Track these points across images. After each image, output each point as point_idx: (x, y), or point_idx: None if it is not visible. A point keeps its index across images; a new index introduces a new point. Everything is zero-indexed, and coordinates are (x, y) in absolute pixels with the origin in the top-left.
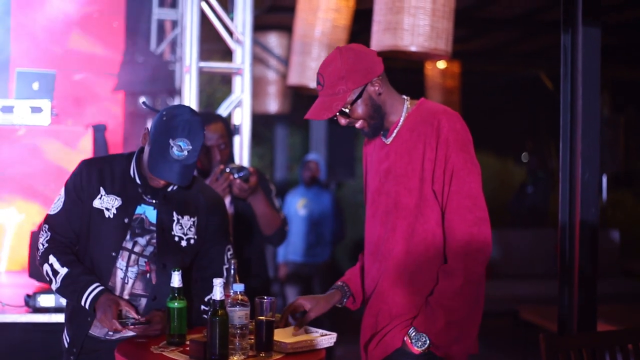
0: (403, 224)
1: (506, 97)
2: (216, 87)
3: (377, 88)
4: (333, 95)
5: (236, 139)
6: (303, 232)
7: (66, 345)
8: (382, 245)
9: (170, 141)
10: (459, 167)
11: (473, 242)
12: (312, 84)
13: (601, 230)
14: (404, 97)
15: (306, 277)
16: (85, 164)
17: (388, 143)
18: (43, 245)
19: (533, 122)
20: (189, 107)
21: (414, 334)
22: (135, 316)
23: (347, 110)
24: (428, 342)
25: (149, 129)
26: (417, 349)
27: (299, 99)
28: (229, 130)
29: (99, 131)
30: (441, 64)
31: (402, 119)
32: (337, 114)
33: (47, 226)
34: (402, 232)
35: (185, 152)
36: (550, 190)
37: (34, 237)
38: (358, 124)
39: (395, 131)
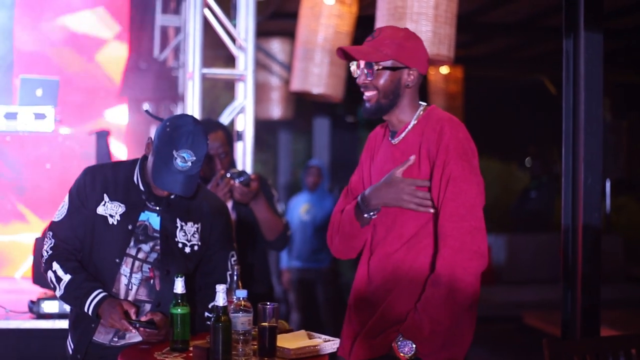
0: (404, 226)
1: (509, 102)
2: (219, 93)
3: (410, 79)
4: (375, 50)
5: (239, 145)
6: (306, 238)
7: (70, 351)
8: (380, 244)
9: (174, 152)
10: (457, 174)
11: (464, 251)
12: (315, 89)
13: (604, 236)
14: (422, 103)
15: (309, 283)
16: (88, 171)
17: (395, 144)
18: (47, 252)
19: (536, 127)
20: (192, 117)
21: (400, 340)
22: (137, 318)
23: (375, 69)
24: (414, 349)
25: (153, 138)
26: (403, 355)
27: (302, 104)
28: (229, 138)
29: (102, 137)
30: (444, 70)
31: (412, 123)
32: (364, 68)
33: (51, 233)
34: (403, 235)
35: (189, 163)
36: (553, 195)
37: (38, 244)
38: (369, 93)
39: (403, 134)
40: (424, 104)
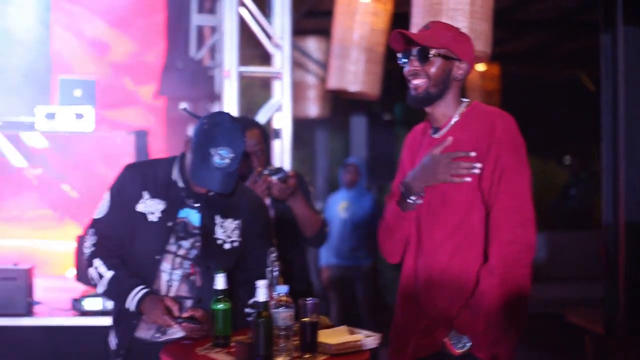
0: (449, 220)
1: (547, 99)
2: (256, 92)
3: (459, 73)
4: (431, 37)
5: (277, 143)
6: (345, 235)
7: (113, 348)
8: (425, 240)
9: (212, 150)
10: (509, 167)
11: (516, 243)
12: (352, 87)
13: None
14: (465, 99)
15: (348, 281)
16: (128, 168)
17: (438, 138)
18: (89, 249)
19: (575, 124)
20: (229, 114)
21: (454, 335)
22: (179, 314)
23: (430, 55)
24: (469, 343)
25: (191, 136)
26: (457, 350)
27: (339, 103)
28: (265, 136)
29: (141, 137)
30: (480, 67)
31: (455, 117)
32: (416, 54)
33: (92, 230)
34: (449, 229)
35: (227, 160)
36: (593, 192)
37: (81, 242)
38: (418, 80)
39: (447, 128)
40: (467, 100)
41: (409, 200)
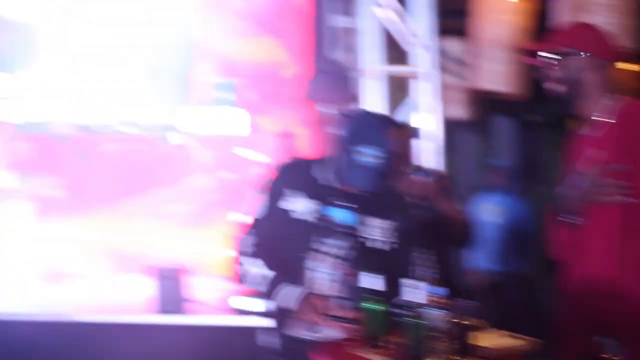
0: (611, 217)
1: None
2: (397, 93)
3: (591, 67)
4: (556, 42)
5: (422, 144)
6: (493, 239)
7: (268, 345)
8: (587, 245)
9: (358, 148)
10: None
11: None
12: (496, 88)
13: None
14: (614, 96)
15: (502, 286)
16: (278, 168)
17: (589, 138)
18: (250, 248)
19: None
20: (374, 113)
21: (613, 343)
22: (332, 314)
23: (557, 59)
24: (628, 351)
25: (336, 135)
26: (615, 357)
27: (483, 104)
28: (408, 135)
29: (287, 138)
30: (630, 66)
31: (604, 115)
32: (546, 61)
33: (253, 230)
34: (609, 231)
35: (374, 159)
36: None
37: (238, 242)
38: (554, 85)
39: (598, 126)
40: (618, 96)
41: (569, 220)
